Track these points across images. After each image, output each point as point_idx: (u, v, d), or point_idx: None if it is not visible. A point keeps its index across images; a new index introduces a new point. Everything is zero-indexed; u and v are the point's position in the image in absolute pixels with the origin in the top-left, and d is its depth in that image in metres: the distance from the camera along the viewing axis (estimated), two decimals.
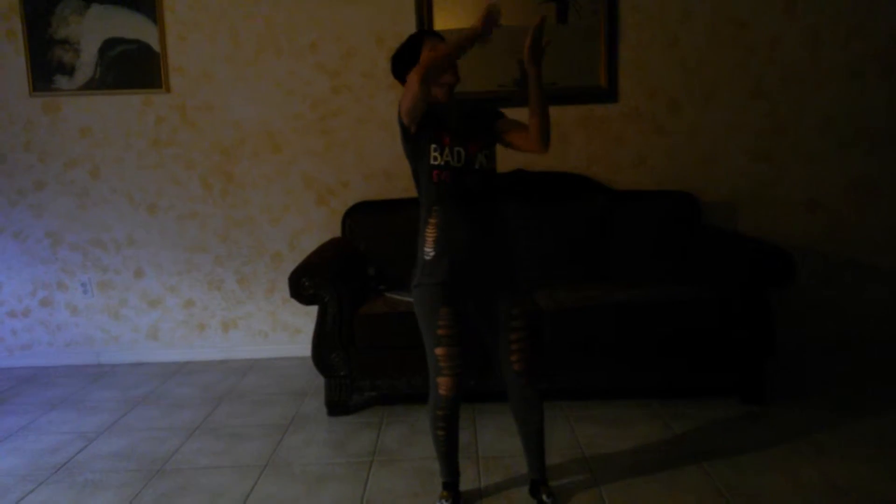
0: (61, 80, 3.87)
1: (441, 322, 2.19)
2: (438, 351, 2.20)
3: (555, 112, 3.84)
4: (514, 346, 2.24)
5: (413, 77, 2.03)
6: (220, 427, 3.15)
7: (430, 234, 2.21)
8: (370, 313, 3.19)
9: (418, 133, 2.18)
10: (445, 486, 2.40)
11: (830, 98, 3.87)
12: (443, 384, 2.23)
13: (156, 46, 3.85)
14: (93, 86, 3.88)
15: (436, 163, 2.16)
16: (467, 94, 3.76)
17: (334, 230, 3.94)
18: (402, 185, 3.93)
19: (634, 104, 3.89)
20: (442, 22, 3.79)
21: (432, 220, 2.21)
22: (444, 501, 2.36)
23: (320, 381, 3.33)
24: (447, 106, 2.23)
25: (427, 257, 2.21)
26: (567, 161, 3.91)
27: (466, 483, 2.53)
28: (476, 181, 2.19)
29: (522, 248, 3.44)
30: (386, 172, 3.95)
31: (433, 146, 2.17)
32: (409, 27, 3.80)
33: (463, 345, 2.22)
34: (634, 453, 2.75)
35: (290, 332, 4.08)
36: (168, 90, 3.89)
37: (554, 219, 3.58)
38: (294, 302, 3.23)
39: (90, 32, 3.82)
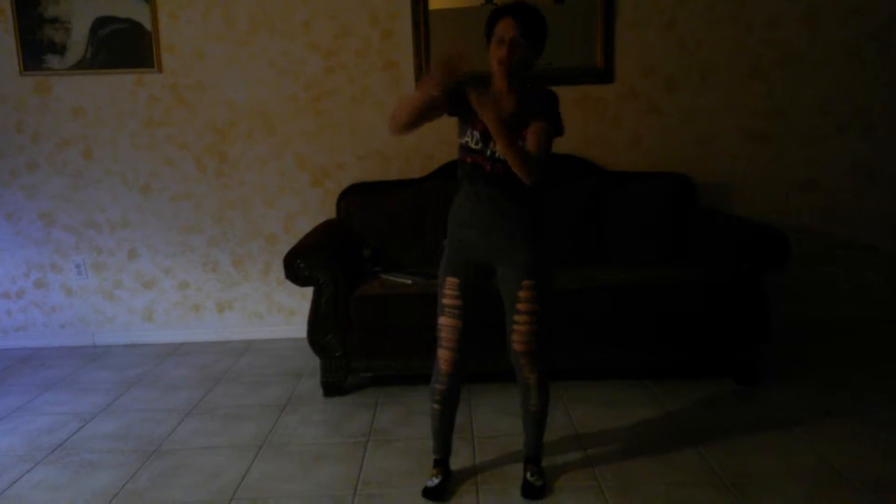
0: (52, 60, 3.83)
1: (447, 291, 2.25)
2: (440, 320, 2.26)
3: None
4: (516, 326, 2.25)
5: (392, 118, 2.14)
6: (216, 408, 3.15)
7: (454, 207, 2.29)
8: (365, 295, 3.19)
9: (458, 110, 2.19)
10: (436, 463, 2.43)
11: (828, 78, 3.85)
12: (440, 357, 2.28)
13: (147, 25, 3.80)
14: (84, 65, 3.83)
15: (462, 140, 2.20)
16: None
17: (329, 212, 3.92)
18: (397, 166, 3.92)
19: (631, 85, 3.86)
20: (438, 0, 3.74)
21: (458, 195, 2.28)
22: (433, 479, 2.38)
23: (316, 362, 3.33)
24: (495, 87, 2.18)
25: (449, 226, 2.30)
26: (563, 143, 3.85)
27: (461, 461, 2.55)
28: (494, 168, 2.16)
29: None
30: (381, 153, 3.93)
31: (463, 123, 2.20)
32: (405, 6, 3.76)
33: (465, 321, 2.24)
34: (629, 433, 2.77)
35: (285, 314, 4.08)
36: (160, 70, 3.85)
37: (549, 200, 3.56)
38: (289, 283, 3.23)
39: (80, 11, 3.77)
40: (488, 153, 2.16)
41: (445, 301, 2.25)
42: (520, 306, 2.23)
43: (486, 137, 2.14)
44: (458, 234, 2.27)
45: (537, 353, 2.27)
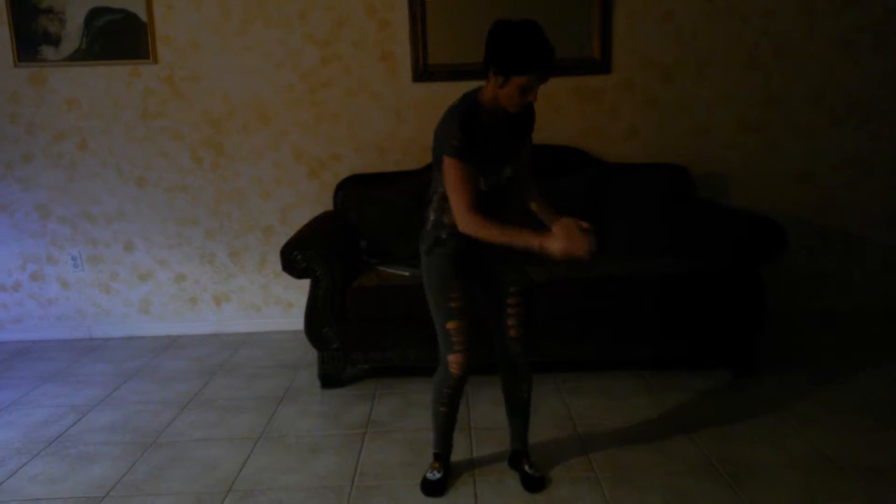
0: (47, 51, 3.80)
1: (454, 294, 2.19)
2: (451, 325, 2.20)
3: (548, 84, 3.83)
4: (511, 310, 2.27)
5: (469, 217, 2.05)
6: (213, 400, 3.16)
7: (448, 219, 2.17)
8: (362, 286, 3.19)
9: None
10: (437, 457, 2.43)
11: (824, 70, 3.85)
12: (454, 362, 2.22)
13: (142, 16, 3.78)
14: (79, 56, 3.81)
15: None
16: (443, 66, 3.73)
17: (326, 203, 3.92)
18: (394, 157, 3.91)
19: (628, 76, 3.86)
20: None
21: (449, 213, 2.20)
22: (434, 472, 2.38)
23: (313, 354, 3.34)
24: (496, 121, 2.14)
25: (442, 234, 2.20)
26: (560, 134, 3.89)
27: (459, 454, 2.55)
28: (498, 192, 2.18)
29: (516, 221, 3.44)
30: (378, 145, 3.92)
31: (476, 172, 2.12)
32: None
33: (471, 319, 2.23)
34: (625, 424, 2.78)
35: (282, 306, 4.08)
36: (155, 61, 3.83)
37: (547, 192, 3.56)
38: (286, 275, 3.23)
39: (75, 1, 3.74)
40: (503, 182, 2.18)
41: (454, 304, 2.19)
42: (512, 289, 2.27)
43: (497, 178, 2.15)
44: (464, 245, 2.19)
45: (528, 339, 2.31)
